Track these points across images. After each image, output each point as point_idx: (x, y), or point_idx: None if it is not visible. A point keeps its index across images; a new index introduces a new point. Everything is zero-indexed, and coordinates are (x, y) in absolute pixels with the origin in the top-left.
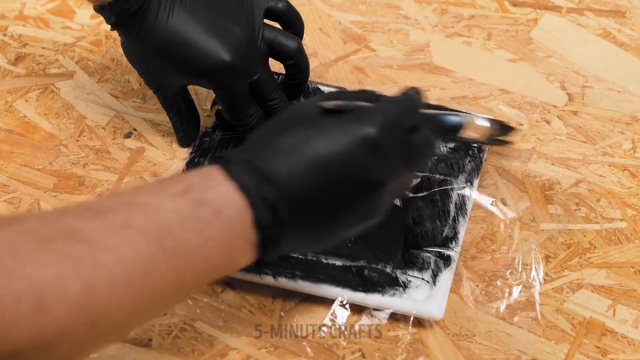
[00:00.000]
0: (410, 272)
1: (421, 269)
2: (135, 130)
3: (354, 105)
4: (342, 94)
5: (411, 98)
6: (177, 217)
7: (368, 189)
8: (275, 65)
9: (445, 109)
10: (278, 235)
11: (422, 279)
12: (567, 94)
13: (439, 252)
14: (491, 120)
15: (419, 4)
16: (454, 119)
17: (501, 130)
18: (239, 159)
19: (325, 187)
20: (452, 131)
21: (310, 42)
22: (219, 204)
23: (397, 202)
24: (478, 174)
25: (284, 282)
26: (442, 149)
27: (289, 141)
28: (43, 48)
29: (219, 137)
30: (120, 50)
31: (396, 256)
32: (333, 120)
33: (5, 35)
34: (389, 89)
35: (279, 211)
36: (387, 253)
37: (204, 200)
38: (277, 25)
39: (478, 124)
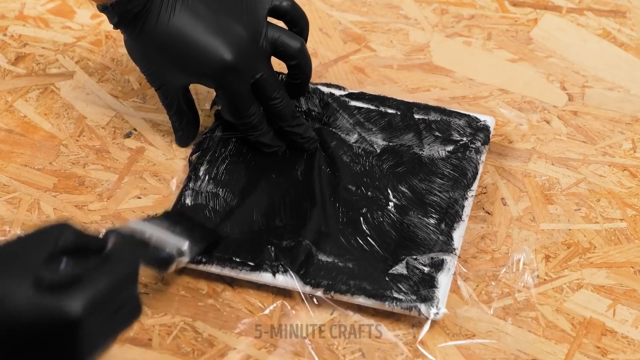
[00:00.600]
0: (401, 286)
1: (410, 279)
2: (135, 130)
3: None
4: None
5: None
6: None
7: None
8: (277, 64)
9: (444, 110)
10: None
11: (407, 293)
12: (567, 94)
13: (432, 258)
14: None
15: (419, 4)
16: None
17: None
18: None
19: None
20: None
21: (310, 42)
22: None
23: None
24: (475, 176)
25: (283, 281)
26: (439, 152)
27: None
28: (43, 48)
29: (218, 137)
30: (120, 50)
31: (383, 280)
32: (34, 282)
33: (5, 35)
34: (389, 89)
35: None
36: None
37: None
38: (282, 24)
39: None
